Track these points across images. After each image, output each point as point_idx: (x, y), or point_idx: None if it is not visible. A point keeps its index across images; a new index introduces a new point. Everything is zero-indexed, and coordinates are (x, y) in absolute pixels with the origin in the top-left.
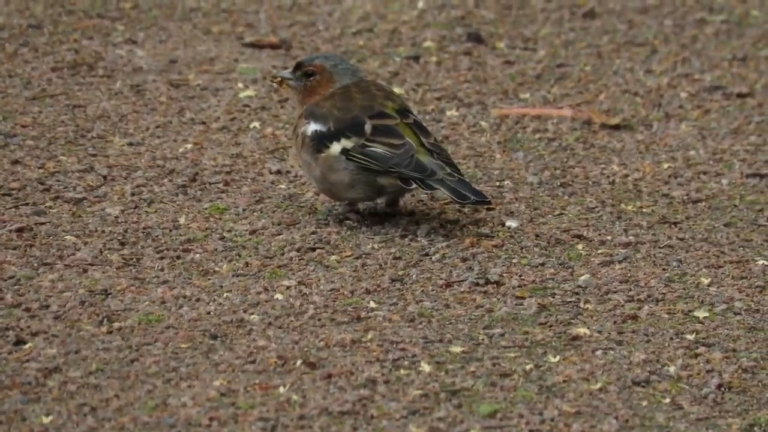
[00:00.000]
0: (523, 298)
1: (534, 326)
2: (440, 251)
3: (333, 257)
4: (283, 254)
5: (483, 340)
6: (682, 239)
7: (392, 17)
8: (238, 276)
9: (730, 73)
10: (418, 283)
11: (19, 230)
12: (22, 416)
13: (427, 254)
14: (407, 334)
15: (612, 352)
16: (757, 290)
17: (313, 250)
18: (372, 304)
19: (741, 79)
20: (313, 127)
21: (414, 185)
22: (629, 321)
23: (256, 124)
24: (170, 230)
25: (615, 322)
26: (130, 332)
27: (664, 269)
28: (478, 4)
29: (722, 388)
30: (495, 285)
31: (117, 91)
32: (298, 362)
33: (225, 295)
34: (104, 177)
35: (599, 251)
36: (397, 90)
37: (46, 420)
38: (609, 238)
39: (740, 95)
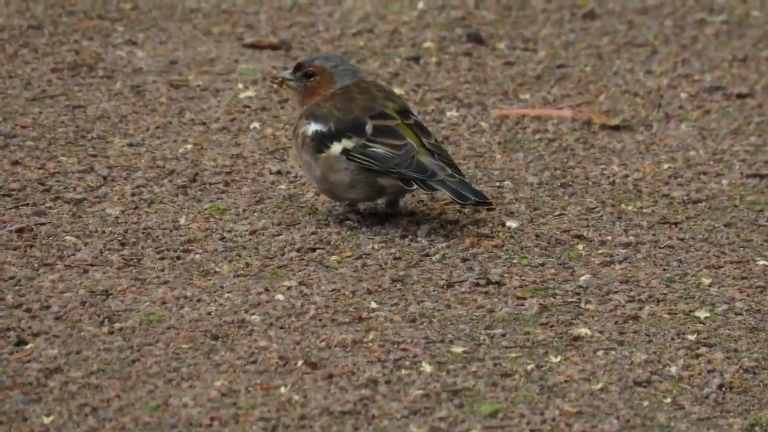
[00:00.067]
0: (524, 298)
1: (535, 326)
2: (441, 252)
3: (333, 258)
4: (283, 255)
5: (484, 340)
6: (682, 239)
7: (392, 18)
8: (238, 276)
9: (730, 73)
10: (419, 283)
11: (20, 231)
12: (23, 416)
13: (427, 255)
14: (408, 334)
15: (613, 352)
16: (757, 290)
17: (314, 250)
18: (373, 305)
19: (741, 79)
20: (313, 127)
21: (415, 186)
22: (630, 321)
23: (256, 124)
24: (170, 231)
25: (616, 323)
26: (131, 333)
27: (664, 269)
28: (478, 5)
29: (723, 389)
30: (496, 285)
31: (117, 92)
32: (300, 362)
33: (226, 295)
34: (104, 177)
35: (600, 251)
36: (397, 91)
37: (47, 420)
38: (609, 238)
39: (740, 96)
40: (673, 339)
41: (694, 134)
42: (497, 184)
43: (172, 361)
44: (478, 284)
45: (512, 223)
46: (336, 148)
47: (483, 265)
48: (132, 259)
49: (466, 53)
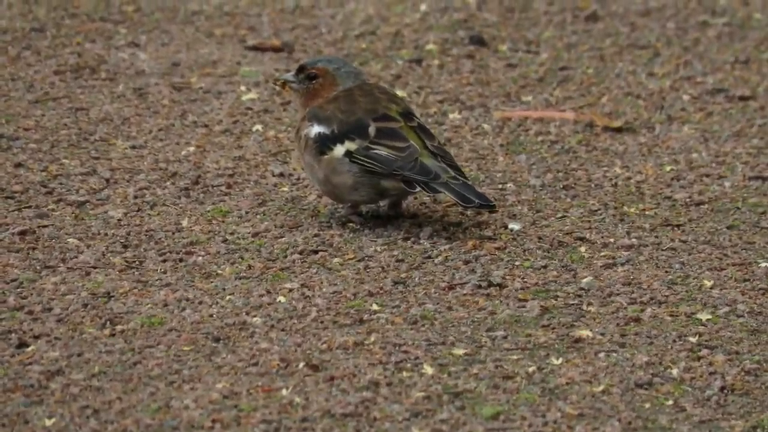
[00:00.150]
0: (525, 300)
1: (537, 329)
2: (443, 254)
3: (336, 260)
4: (285, 257)
5: (486, 342)
6: (684, 242)
7: (395, 20)
8: (240, 279)
9: (732, 75)
10: (420, 285)
11: (22, 233)
12: (24, 419)
13: (429, 257)
14: (410, 336)
15: (615, 354)
16: (759, 293)
17: (316, 252)
18: (374, 307)
19: (743, 81)
20: (316, 129)
21: (418, 188)
22: (632, 323)
23: (258, 126)
24: (173, 233)
25: (618, 325)
26: (133, 335)
27: (666, 272)
28: (480, 7)
29: (725, 391)
30: (497, 287)
31: (120, 94)
32: (301, 365)
33: (228, 297)
34: (107, 180)
35: (602, 254)
36: (399, 93)
37: (48, 423)
38: (612, 240)
39: (743, 98)
40: (674, 341)
41: (697, 136)
42: (500, 186)
43: (174, 364)
44: (479, 286)
45: (514, 226)
46: (339, 150)
47: (485, 267)
48: (134, 261)
49: (469, 55)
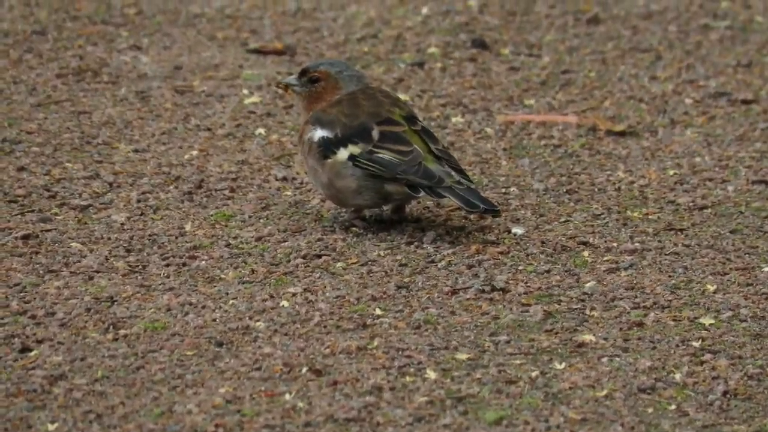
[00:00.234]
0: (528, 305)
1: (540, 333)
2: (446, 258)
3: (339, 264)
4: (289, 261)
5: (489, 347)
6: (687, 246)
7: (396, 23)
8: (243, 283)
9: (734, 79)
10: (423, 290)
11: (25, 237)
12: (27, 423)
13: (432, 261)
14: (413, 341)
15: (618, 359)
16: (762, 297)
17: (319, 257)
18: (378, 311)
19: (746, 85)
20: (319, 133)
21: (422, 193)
22: (635, 328)
23: (261, 130)
24: (176, 237)
25: (621, 329)
26: (136, 339)
27: (669, 276)
28: (482, 11)
29: (728, 395)
30: (501, 292)
31: (122, 98)
32: (304, 369)
33: (231, 302)
34: (110, 184)
35: (605, 258)
36: (402, 96)
37: (51, 427)
38: (615, 245)
39: (745, 101)
40: (677, 346)
41: (700, 140)
42: (503, 190)
43: (177, 368)
44: (483, 291)
45: (518, 230)
46: (342, 154)
47: (488, 271)
48: (137, 265)
49: (471, 59)
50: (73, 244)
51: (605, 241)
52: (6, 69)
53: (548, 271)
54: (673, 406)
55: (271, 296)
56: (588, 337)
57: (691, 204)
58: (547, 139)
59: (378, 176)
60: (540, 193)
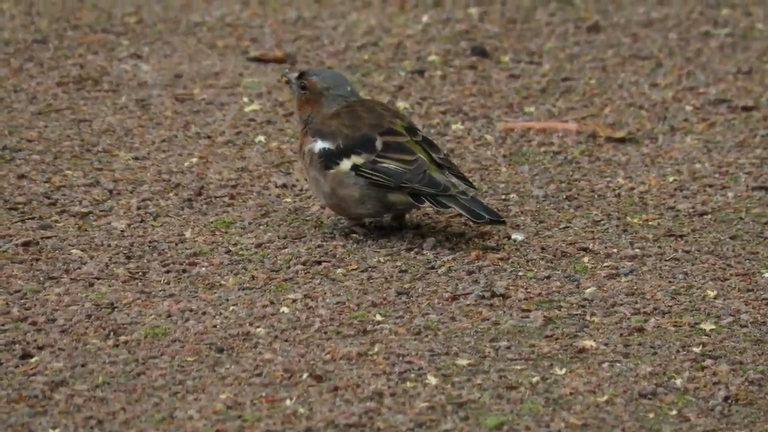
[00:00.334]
0: (529, 310)
1: (540, 339)
2: (446, 264)
3: (339, 270)
4: (289, 268)
5: (489, 352)
6: (688, 252)
7: (397, 31)
8: (244, 289)
9: (735, 86)
10: (424, 296)
11: (26, 244)
12: (29, 429)
13: (433, 267)
14: (413, 347)
15: (618, 364)
16: (763, 303)
17: (319, 263)
18: (378, 317)
19: (746, 92)
20: (320, 145)
21: (426, 202)
22: (635, 333)
23: (261, 138)
24: (176, 244)
25: (621, 335)
26: (137, 346)
27: (670, 282)
28: (482, 18)
29: (729, 401)
30: (501, 298)
31: (122, 106)
32: (305, 375)
33: (231, 308)
34: (110, 191)
35: (605, 264)
36: (401, 104)
37: None
38: (615, 251)
39: (745, 108)
40: (678, 351)
41: (700, 147)
42: (503, 197)
43: (178, 374)
44: (483, 297)
45: (518, 236)
46: (345, 164)
47: (488, 277)
48: (138, 272)
49: (471, 66)
50: (74, 251)
51: (605, 247)
52: (7, 77)
53: (548, 277)
54: (674, 412)
55: (272, 302)
56: (588, 343)
57: (691, 210)
58: (547, 145)
59: (381, 186)
60: (540, 199)
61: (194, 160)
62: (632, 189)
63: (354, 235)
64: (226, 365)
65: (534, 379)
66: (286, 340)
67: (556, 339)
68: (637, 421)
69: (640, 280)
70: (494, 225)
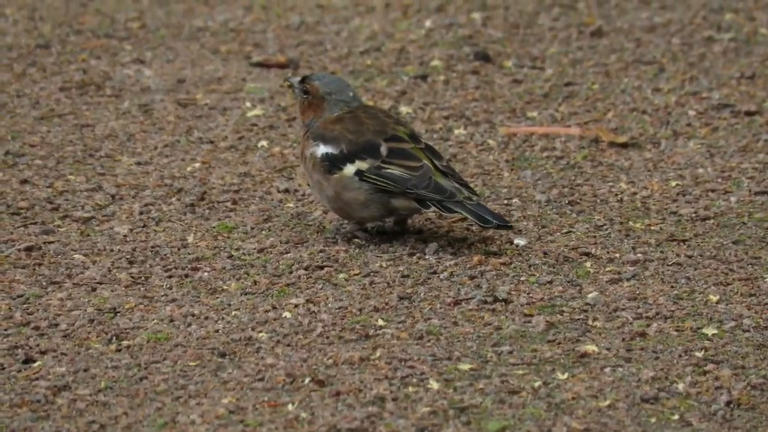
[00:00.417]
0: (531, 315)
1: (542, 344)
2: (448, 269)
3: (341, 275)
4: (291, 272)
5: (491, 357)
6: (690, 257)
7: (400, 36)
8: (246, 294)
9: (738, 91)
10: (426, 300)
11: (28, 249)
12: None
13: (435, 272)
14: (415, 351)
15: (620, 369)
16: (765, 307)
17: (321, 268)
18: (380, 322)
19: (749, 97)
20: (323, 149)
21: (432, 207)
22: (638, 338)
23: (264, 143)
24: (178, 249)
25: (623, 340)
26: (139, 350)
27: (672, 287)
28: (485, 23)
29: (731, 405)
30: (503, 303)
31: (125, 111)
32: (307, 380)
33: (233, 313)
34: (112, 196)
35: (607, 269)
36: (404, 109)
37: None
38: (617, 255)
39: (748, 113)
40: (680, 356)
41: (702, 152)
42: (505, 202)
43: (180, 379)
44: (485, 301)
45: (520, 241)
46: (349, 169)
47: (491, 282)
48: (140, 277)
49: (474, 71)
50: (76, 256)
51: (608, 252)
52: (10, 82)
53: (550, 282)
54: (676, 417)
55: (274, 307)
56: (591, 348)
57: (693, 215)
58: (550, 150)
59: (385, 191)
60: (542, 204)
61: (197, 165)
62: (635, 194)
63: (356, 239)
64: (228, 370)
65: (536, 384)
66: (288, 345)
67: (559, 344)
68: (639, 425)
69: (642, 284)
70: (501, 230)
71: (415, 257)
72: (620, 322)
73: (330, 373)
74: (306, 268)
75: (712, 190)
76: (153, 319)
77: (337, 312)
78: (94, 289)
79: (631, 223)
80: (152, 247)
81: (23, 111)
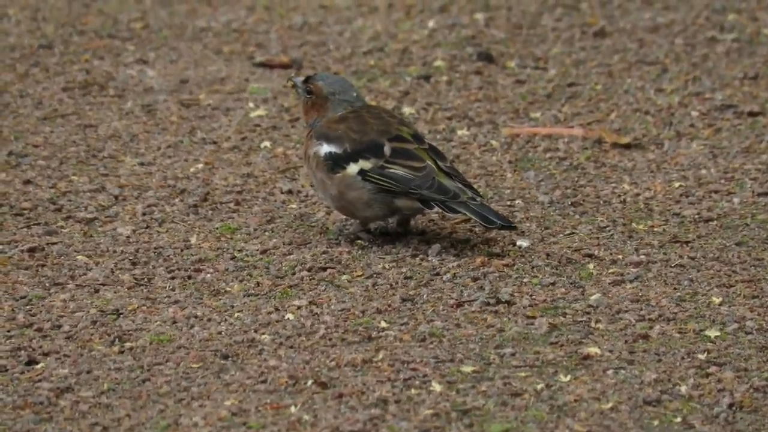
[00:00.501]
0: (534, 317)
1: (545, 346)
2: (451, 271)
3: (344, 277)
4: (294, 274)
5: (494, 359)
6: (693, 258)
7: (403, 37)
8: (249, 296)
9: (741, 91)
10: (428, 302)
11: (31, 250)
12: None
13: (437, 274)
14: (418, 353)
15: (623, 371)
16: None
17: (324, 269)
18: (383, 324)
19: (752, 97)
20: (326, 148)
21: (435, 208)
22: (640, 340)
23: (267, 143)
24: (181, 250)
25: (626, 342)
26: (142, 352)
27: (675, 288)
28: (488, 24)
29: (734, 408)
30: (506, 304)
31: (128, 111)
32: (309, 382)
33: (236, 315)
34: (115, 197)
35: (610, 270)
36: (407, 110)
37: None
38: (620, 257)
39: (751, 114)
40: (683, 358)
41: (706, 153)
42: (508, 203)
43: (183, 381)
44: (488, 303)
45: (523, 242)
46: (353, 168)
47: (493, 284)
48: (143, 278)
49: (477, 72)
50: (79, 257)
51: (610, 254)
52: (12, 83)
53: (553, 284)
54: (679, 419)
55: (277, 309)
56: (593, 350)
57: (696, 216)
58: (553, 151)
59: (389, 191)
60: (545, 205)
61: (200, 165)
62: (638, 195)
63: (359, 241)
64: (231, 372)
65: (539, 386)
66: (291, 347)
67: (561, 346)
68: (641, 428)
69: (645, 286)
70: (505, 230)
71: (417, 259)
72: (623, 324)
73: (333, 375)
74: (309, 270)
75: (715, 192)
76: (156, 321)
77: (339, 314)
78: (97, 291)
79: (634, 224)
80: (155, 248)
81: (26, 111)
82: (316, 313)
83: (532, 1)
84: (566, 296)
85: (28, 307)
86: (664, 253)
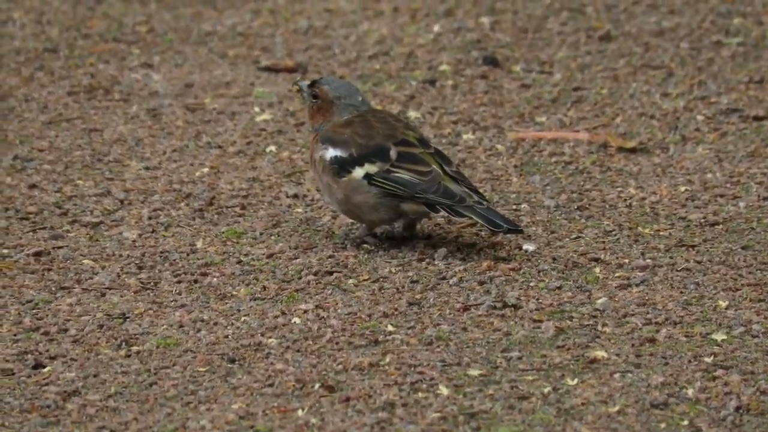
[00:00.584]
0: (540, 321)
1: (552, 349)
2: (457, 275)
3: (350, 281)
4: (300, 278)
5: (501, 363)
6: (699, 262)
7: (408, 41)
8: (255, 300)
9: (746, 95)
10: (435, 306)
11: (37, 254)
12: None
13: (444, 278)
14: (425, 357)
15: (630, 374)
16: None
17: (331, 273)
18: (390, 328)
19: (758, 101)
20: (332, 152)
21: (441, 211)
22: (647, 344)
23: (272, 147)
24: (187, 254)
25: (633, 345)
26: (149, 356)
27: (681, 292)
28: (494, 28)
29: (741, 411)
30: (512, 308)
31: (133, 115)
32: (317, 385)
33: (243, 318)
34: (121, 201)
35: (616, 274)
36: (413, 114)
37: None
38: (626, 261)
39: (757, 118)
40: (689, 361)
41: (711, 157)
42: (514, 207)
43: (190, 384)
44: (494, 307)
45: (529, 246)
46: (358, 172)
47: (500, 288)
48: (149, 282)
49: (482, 76)
50: (85, 261)
51: (617, 258)
52: (18, 87)
53: (560, 288)
54: (686, 422)
55: (283, 313)
56: (600, 353)
57: (702, 220)
58: (558, 155)
59: (395, 195)
60: (551, 209)
61: (205, 170)
62: (643, 199)
63: (365, 245)
64: (238, 375)
65: (545, 390)
66: (298, 351)
67: (568, 349)
68: (648, 431)
69: (651, 290)
70: (512, 234)
71: (424, 263)
72: (629, 328)
73: (340, 379)
74: (315, 274)
75: (721, 195)
76: (162, 325)
77: (346, 318)
78: (103, 295)
79: (640, 228)
80: (161, 252)
81: (31, 115)
82: (323, 317)
83: (538, 5)
84: (573, 300)
85: (34, 311)
86: (670, 257)
